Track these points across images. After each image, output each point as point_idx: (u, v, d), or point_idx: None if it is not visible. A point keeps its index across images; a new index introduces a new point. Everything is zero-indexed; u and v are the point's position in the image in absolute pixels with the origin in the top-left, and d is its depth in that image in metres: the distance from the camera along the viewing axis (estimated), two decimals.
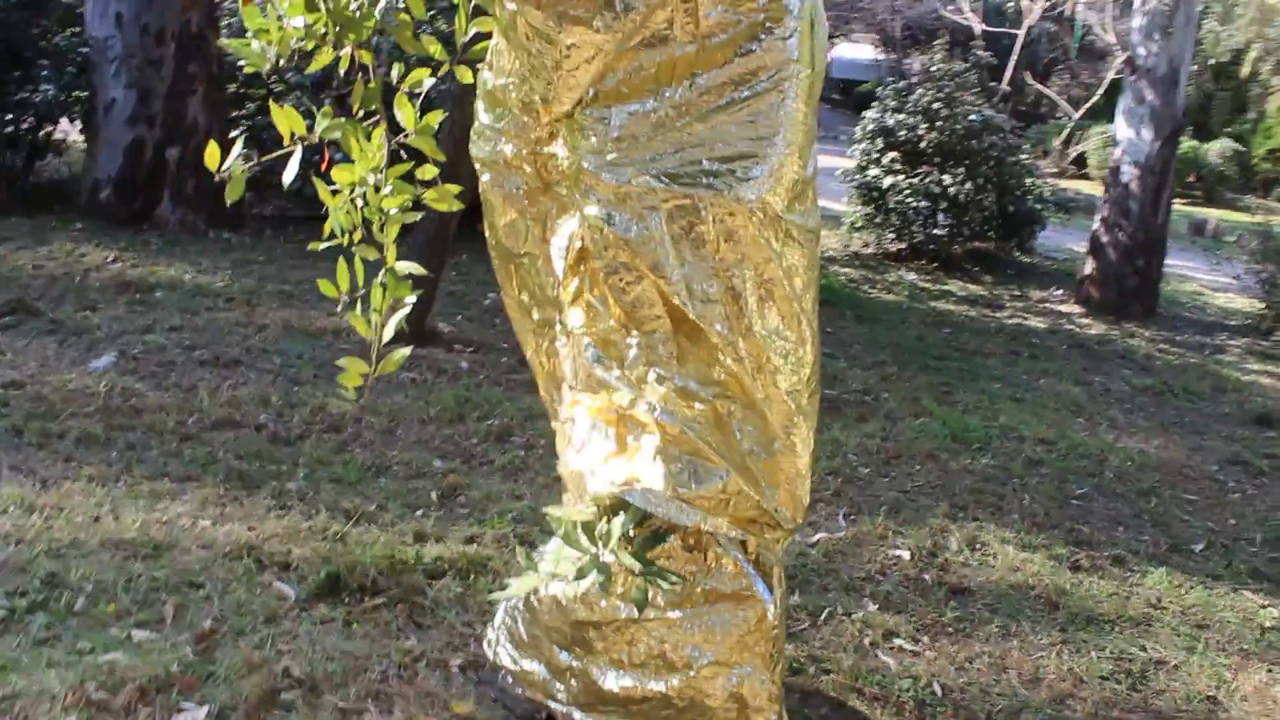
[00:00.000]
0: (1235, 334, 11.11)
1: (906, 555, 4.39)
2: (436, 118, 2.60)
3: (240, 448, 4.45)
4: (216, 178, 2.38)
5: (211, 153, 2.30)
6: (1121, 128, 11.23)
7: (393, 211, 2.61)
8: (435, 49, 2.37)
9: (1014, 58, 14.04)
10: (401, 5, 2.26)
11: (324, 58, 2.27)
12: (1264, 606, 4.46)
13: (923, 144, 11.87)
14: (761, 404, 2.29)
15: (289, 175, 2.35)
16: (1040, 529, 4.91)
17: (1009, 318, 10.28)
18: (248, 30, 2.30)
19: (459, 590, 3.50)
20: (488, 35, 2.39)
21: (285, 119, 2.46)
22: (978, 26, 12.91)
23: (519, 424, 5.19)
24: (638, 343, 2.29)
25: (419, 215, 2.63)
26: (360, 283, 2.58)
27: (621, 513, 2.16)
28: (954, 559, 4.43)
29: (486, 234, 2.55)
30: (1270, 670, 3.92)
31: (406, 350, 2.63)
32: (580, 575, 2.06)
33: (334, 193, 2.43)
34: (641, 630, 2.41)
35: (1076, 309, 11.12)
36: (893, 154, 11.95)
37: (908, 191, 11.82)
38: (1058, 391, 7.69)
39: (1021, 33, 13.21)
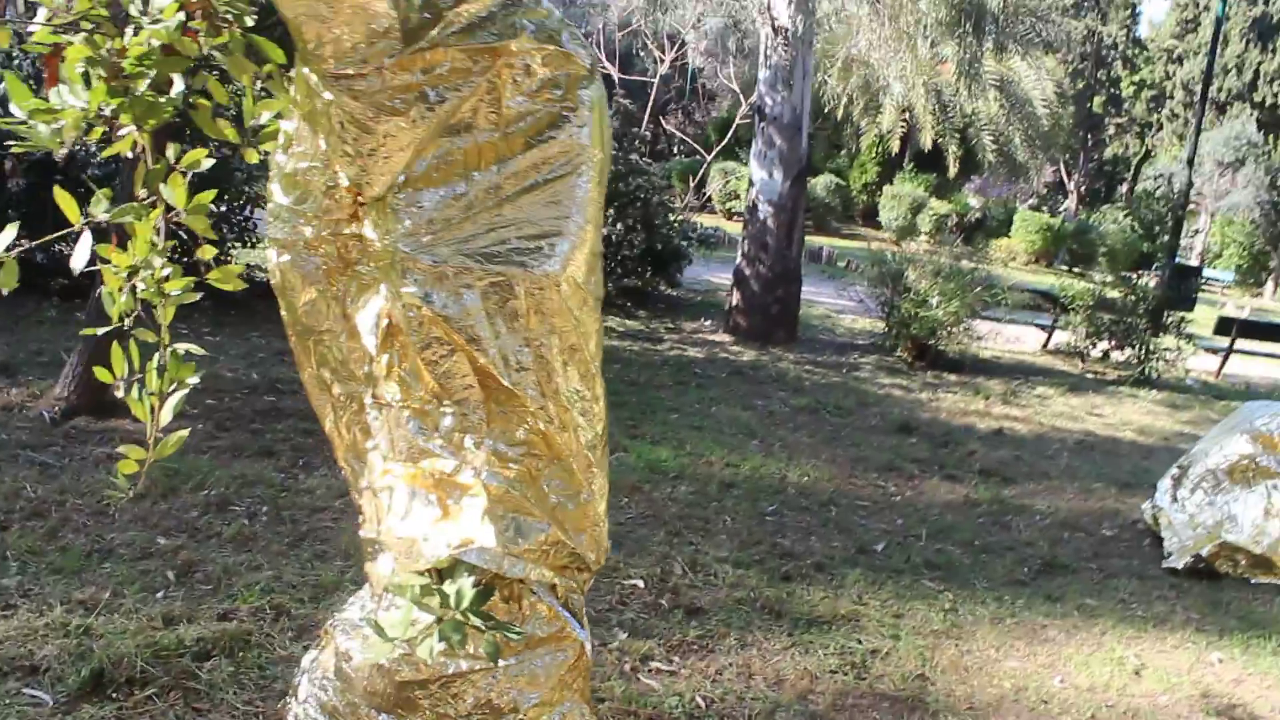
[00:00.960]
0: (865, 352, 12.47)
1: (641, 584, 4.68)
2: (209, 197, 2.61)
3: None
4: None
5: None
6: (755, 170, 12.32)
7: (174, 293, 2.59)
8: (230, 133, 2.39)
9: (650, 104, 14.98)
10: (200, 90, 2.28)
11: (122, 144, 2.24)
12: (941, 592, 5.15)
13: None
14: (569, 459, 2.47)
15: (79, 260, 2.28)
16: (746, 545, 5.38)
17: (669, 349, 10.95)
18: (14, 107, 2.21)
19: (230, 669, 3.38)
20: (278, 116, 2.43)
21: (69, 204, 2.39)
22: (616, 75, 13.70)
23: (235, 492, 5.01)
24: (452, 412, 2.40)
25: (198, 295, 2.62)
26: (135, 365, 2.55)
27: (466, 574, 2.27)
28: (682, 582, 4.77)
29: (284, 314, 2.56)
30: (958, 645, 4.55)
31: (184, 432, 2.61)
32: (443, 637, 2.15)
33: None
34: (467, 683, 2.51)
35: (727, 338, 12.04)
36: None
37: None
38: (729, 417, 8.33)
39: (657, 80, 14.16)
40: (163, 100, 2.20)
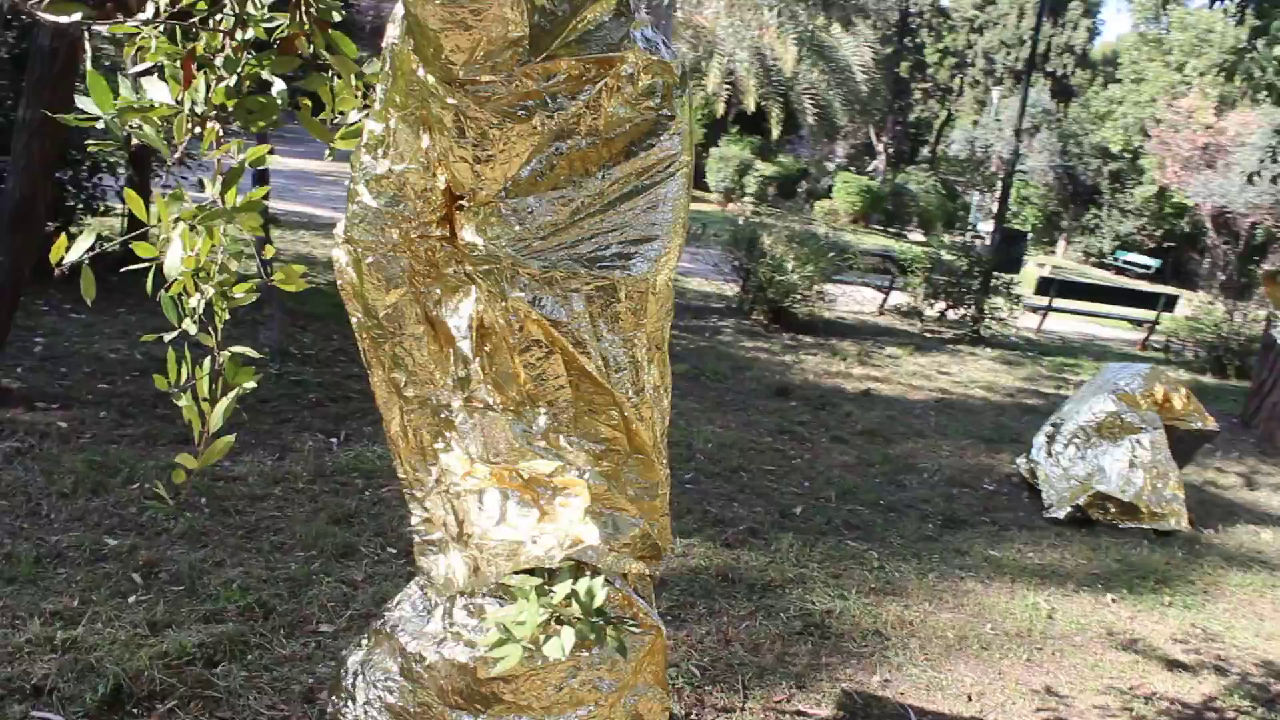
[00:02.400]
0: (722, 315, 12.80)
1: None
2: (262, 193, 2.57)
3: None
4: (57, 272, 2.20)
5: (58, 246, 2.12)
6: None
7: (238, 295, 2.55)
8: (325, 134, 2.37)
9: None
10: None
11: (223, 147, 2.18)
12: (866, 551, 5.45)
13: None
14: (649, 452, 2.55)
15: (174, 261, 2.21)
16: (679, 515, 5.54)
17: None
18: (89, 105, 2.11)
19: (243, 674, 3.32)
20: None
21: (137, 203, 2.32)
22: None
23: (167, 484, 4.83)
24: (545, 412, 2.44)
25: (255, 296, 2.58)
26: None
27: (589, 573, 2.32)
28: None
29: (357, 317, 2.51)
30: (897, 601, 4.85)
31: (230, 438, 2.58)
32: (580, 635, 2.20)
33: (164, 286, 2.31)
34: (552, 673, 2.56)
35: None
36: None
37: None
38: None
39: None
40: (272, 101, 2.16)
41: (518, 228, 2.28)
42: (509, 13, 1.99)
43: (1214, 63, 31.93)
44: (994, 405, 10.09)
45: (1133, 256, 34.93)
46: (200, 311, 2.42)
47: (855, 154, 43.42)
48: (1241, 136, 28.46)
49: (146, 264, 2.29)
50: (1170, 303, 16.22)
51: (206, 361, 2.53)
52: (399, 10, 2.26)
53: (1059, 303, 15.83)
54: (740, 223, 13.43)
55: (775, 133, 27.54)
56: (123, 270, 2.42)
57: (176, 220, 2.13)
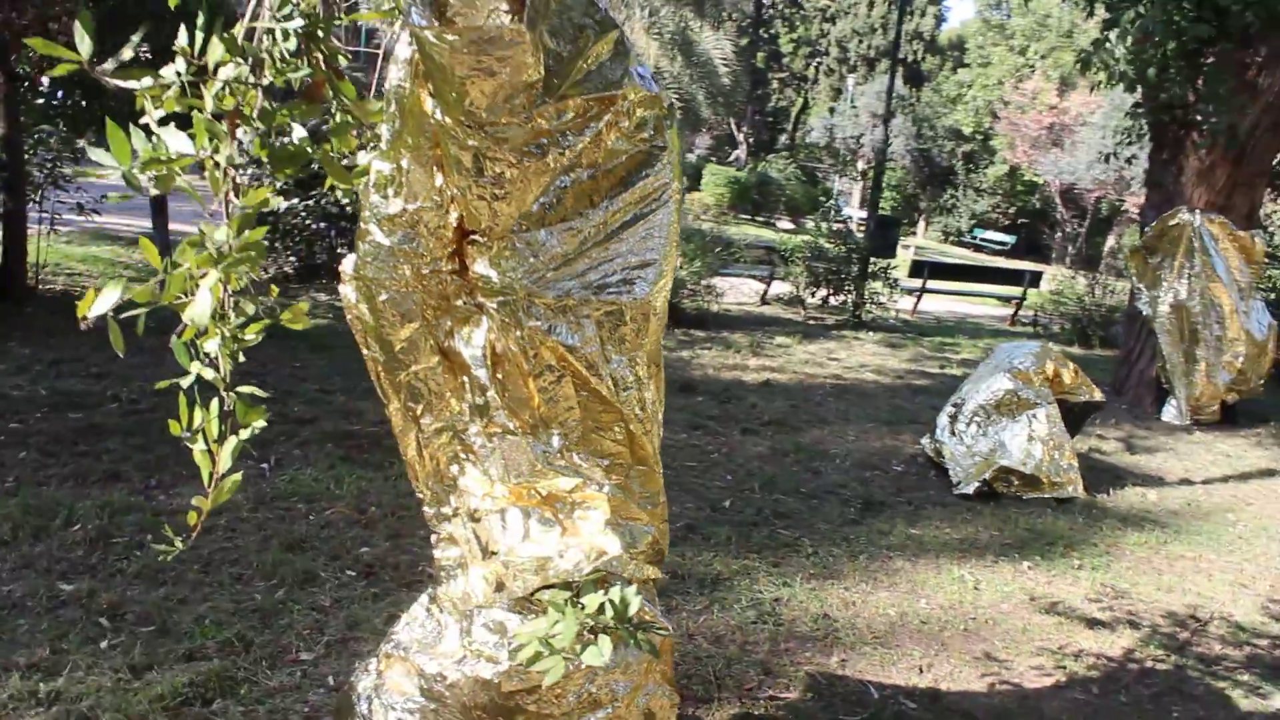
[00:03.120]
0: None
1: None
2: (259, 234, 2.63)
3: None
4: (84, 325, 2.23)
5: (87, 300, 2.16)
6: None
7: (248, 337, 2.60)
8: (345, 178, 2.44)
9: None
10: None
11: (260, 192, 2.24)
12: (798, 538, 5.68)
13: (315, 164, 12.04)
14: (651, 463, 2.69)
15: (203, 310, 2.25)
16: None
17: None
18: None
19: (240, 710, 3.33)
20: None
21: (151, 252, 2.35)
22: None
23: (109, 522, 4.74)
24: (558, 433, 2.56)
25: (263, 336, 2.63)
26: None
27: (620, 583, 2.43)
28: None
29: (372, 351, 2.56)
30: (836, 584, 5.09)
31: (238, 476, 2.63)
32: (617, 642, 2.31)
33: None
34: (571, 682, 2.68)
35: None
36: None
37: (305, 214, 12.01)
38: None
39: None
40: (301, 148, 2.22)
41: (531, 260, 2.39)
42: (529, 58, 2.10)
43: (1053, 45, 33.51)
44: (886, 388, 10.50)
45: (989, 234, 36.43)
46: (212, 354, 2.45)
47: (717, 145, 44.14)
48: (1084, 116, 29.97)
49: (142, 308, 2.31)
50: (1035, 279, 17.05)
51: (214, 403, 2.57)
52: (401, 53, 2.35)
53: (932, 284, 16.49)
54: None
55: None
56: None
57: (203, 271, 2.17)
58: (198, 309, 2.24)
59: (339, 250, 12.07)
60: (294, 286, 11.82)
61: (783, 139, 46.35)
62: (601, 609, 2.36)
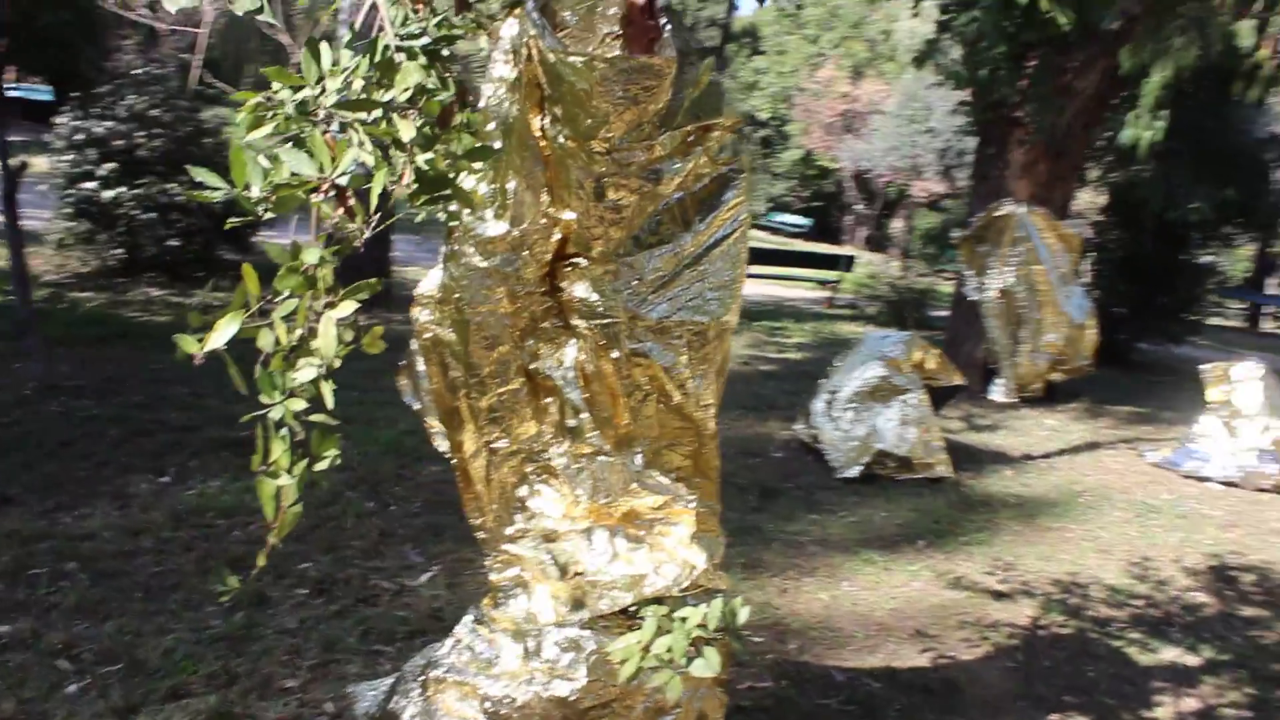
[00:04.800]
0: None
1: None
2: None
3: None
4: (197, 360, 2.15)
5: (188, 340, 2.08)
6: None
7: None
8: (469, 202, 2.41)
9: (200, 56, 14.00)
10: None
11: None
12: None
13: (142, 152, 11.38)
14: (711, 474, 2.76)
15: (329, 346, 2.19)
16: None
17: None
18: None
19: None
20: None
21: (251, 277, 2.26)
22: (162, 26, 12.59)
23: (23, 553, 4.40)
24: (640, 450, 2.59)
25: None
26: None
27: (721, 596, 2.48)
28: None
29: (446, 374, 2.49)
30: (767, 574, 5.29)
31: (299, 507, 2.59)
32: (726, 652, 2.36)
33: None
34: (640, 694, 2.72)
35: None
36: (111, 164, 11.26)
37: (132, 203, 11.33)
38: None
39: (205, 32, 13.21)
40: (445, 173, 2.18)
41: (635, 283, 2.43)
42: (668, 88, 2.13)
43: (845, 35, 34.99)
44: (738, 375, 10.82)
45: (785, 217, 37.74)
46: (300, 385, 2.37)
47: None
48: (875, 104, 31.46)
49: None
50: (849, 263, 17.86)
51: (284, 434, 2.48)
52: (499, 71, 2.32)
53: (753, 269, 17.01)
54: None
55: None
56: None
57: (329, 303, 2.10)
58: (323, 342, 2.17)
59: (168, 243, 11.41)
60: (120, 281, 11.14)
61: None
62: (703, 622, 2.43)
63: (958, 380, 8.09)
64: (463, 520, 2.77)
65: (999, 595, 5.44)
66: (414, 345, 2.68)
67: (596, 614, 2.67)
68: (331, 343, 2.17)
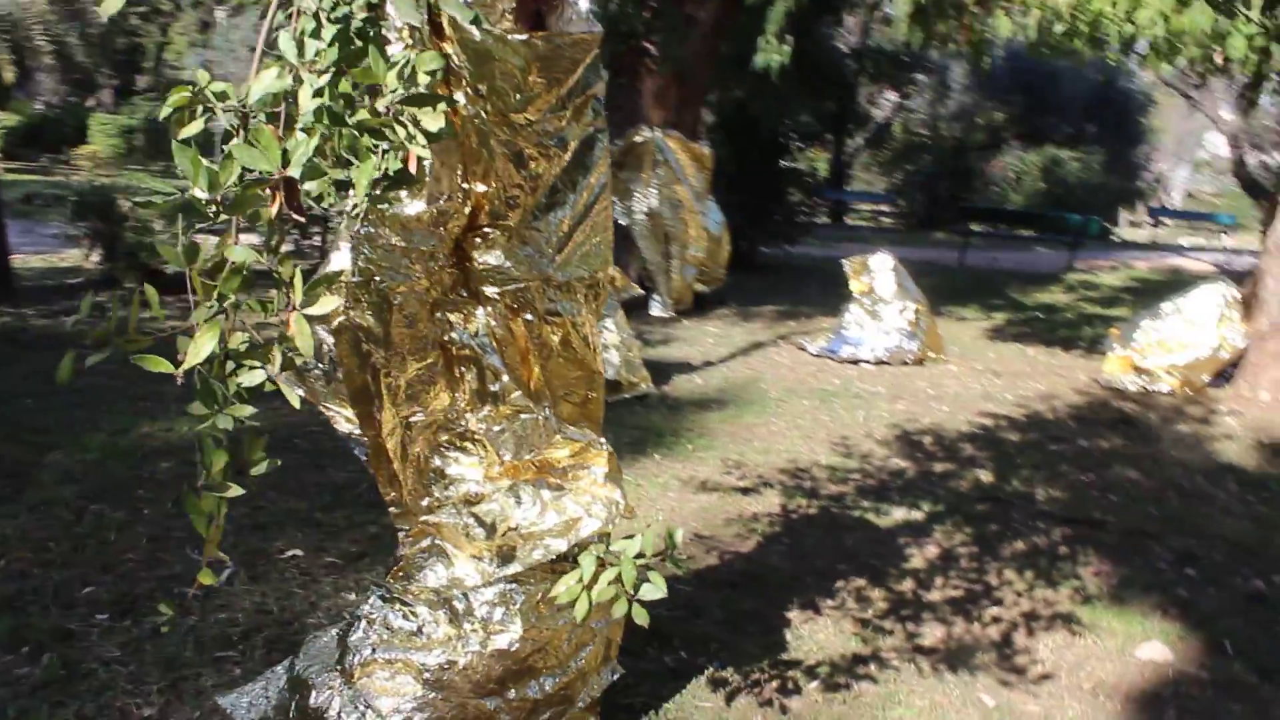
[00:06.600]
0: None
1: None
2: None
3: None
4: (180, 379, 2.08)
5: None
6: None
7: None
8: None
9: None
10: None
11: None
12: None
13: None
14: (597, 416, 2.92)
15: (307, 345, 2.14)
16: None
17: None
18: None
19: None
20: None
21: (153, 296, 2.17)
22: None
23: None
24: (547, 403, 2.68)
25: None
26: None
27: (668, 526, 2.62)
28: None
29: (361, 351, 2.40)
30: None
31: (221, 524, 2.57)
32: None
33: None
34: (564, 629, 2.85)
35: None
36: None
37: None
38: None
39: None
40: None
41: (543, 246, 2.52)
42: (591, 60, 2.25)
43: None
44: None
45: None
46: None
47: (73, 90, 39.79)
48: None
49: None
50: None
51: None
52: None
53: None
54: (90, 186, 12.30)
55: (9, 76, 24.56)
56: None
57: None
58: (301, 342, 2.11)
59: None
60: None
61: (143, 80, 42.83)
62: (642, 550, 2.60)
63: (637, 291, 8.58)
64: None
65: (745, 491, 5.97)
66: (320, 331, 2.60)
67: (529, 565, 2.77)
68: (309, 341, 2.12)
